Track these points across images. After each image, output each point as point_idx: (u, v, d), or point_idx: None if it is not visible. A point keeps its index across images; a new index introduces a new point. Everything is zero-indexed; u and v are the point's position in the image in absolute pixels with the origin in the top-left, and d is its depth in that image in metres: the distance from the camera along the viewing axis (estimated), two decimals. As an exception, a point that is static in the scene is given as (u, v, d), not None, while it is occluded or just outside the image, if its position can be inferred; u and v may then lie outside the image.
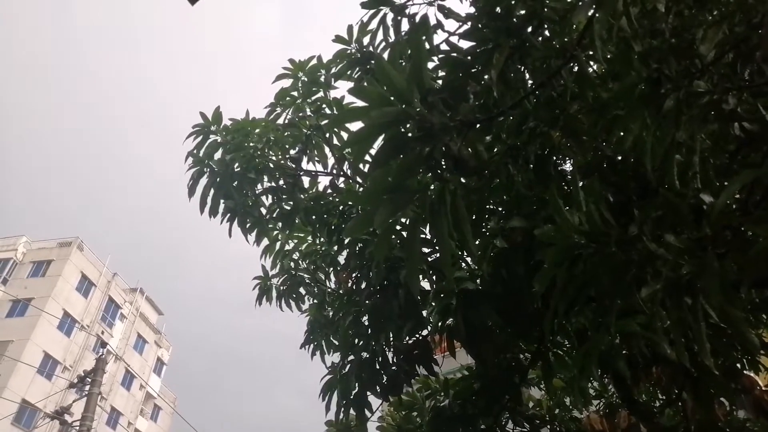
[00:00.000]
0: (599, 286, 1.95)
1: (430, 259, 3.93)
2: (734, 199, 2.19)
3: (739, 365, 4.41)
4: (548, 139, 3.02)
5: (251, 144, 4.02)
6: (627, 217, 2.08)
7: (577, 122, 2.99)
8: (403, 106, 1.59)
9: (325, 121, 4.11)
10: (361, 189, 3.82)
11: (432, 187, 1.65)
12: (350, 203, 4.08)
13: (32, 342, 36.34)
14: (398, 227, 3.88)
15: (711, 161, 2.44)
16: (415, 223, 1.71)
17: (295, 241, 5.01)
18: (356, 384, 4.06)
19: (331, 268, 4.91)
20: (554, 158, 3.04)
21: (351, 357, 4.19)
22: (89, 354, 37.36)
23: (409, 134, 1.60)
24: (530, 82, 2.94)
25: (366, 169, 2.87)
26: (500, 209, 3.31)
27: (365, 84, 2.00)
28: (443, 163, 1.62)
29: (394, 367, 4.09)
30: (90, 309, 41.80)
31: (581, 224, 1.97)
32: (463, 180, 1.72)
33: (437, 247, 3.96)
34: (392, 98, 1.59)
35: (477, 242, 3.12)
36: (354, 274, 4.47)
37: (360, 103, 1.67)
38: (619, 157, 2.96)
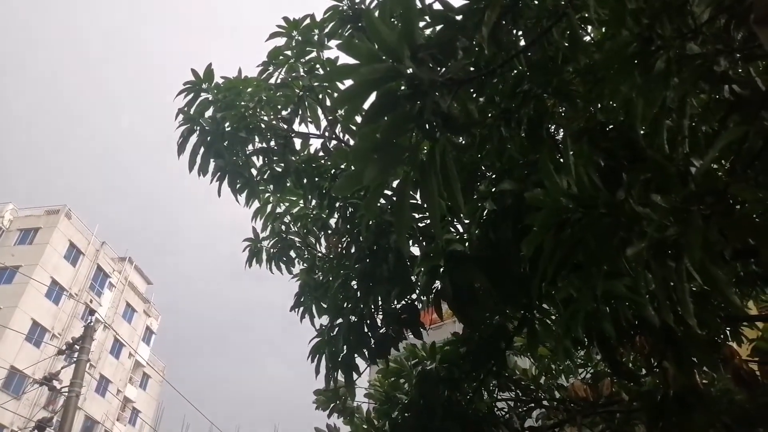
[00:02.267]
0: (587, 249, 1.96)
1: (421, 225, 3.93)
2: (722, 164, 2.19)
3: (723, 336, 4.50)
4: (541, 103, 3.01)
5: (243, 103, 3.97)
6: (617, 183, 2.09)
7: (570, 86, 2.98)
8: (393, 62, 1.57)
9: (317, 83, 4.06)
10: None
11: (422, 146, 1.64)
12: (342, 167, 4.06)
13: (20, 309, 36.28)
14: (389, 192, 3.88)
15: (700, 126, 2.43)
16: (404, 183, 1.69)
17: (287, 204, 4.98)
18: (344, 347, 4.09)
19: (322, 232, 4.91)
20: (547, 123, 3.03)
21: (339, 320, 4.22)
22: (78, 322, 37.39)
23: (399, 91, 1.58)
24: (522, 43, 2.91)
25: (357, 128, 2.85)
26: (491, 173, 3.31)
27: (355, 40, 1.97)
28: (433, 120, 1.61)
29: (382, 331, 4.13)
30: (78, 277, 41.70)
31: (570, 188, 1.97)
32: (453, 138, 1.70)
33: (427, 213, 3.97)
34: (382, 54, 1.57)
35: (467, 205, 3.12)
36: (344, 239, 4.48)
37: (351, 61, 1.64)
38: (611, 126, 2.96)
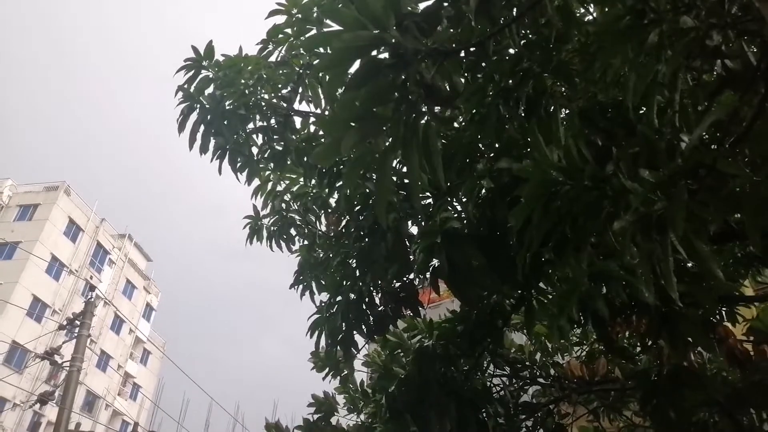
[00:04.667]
0: (574, 223, 1.97)
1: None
2: (711, 140, 2.19)
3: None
4: (540, 82, 3.01)
5: (243, 81, 3.95)
6: (608, 157, 2.09)
7: (568, 65, 2.98)
8: (378, 30, 1.54)
9: (318, 60, 4.04)
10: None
11: (404, 117, 1.60)
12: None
13: (20, 285, 36.46)
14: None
15: (691, 101, 2.42)
16: (386, 154, 1.66)
17: (287, 182, 5.00)
18: (343, 324, 4.14)
19: (322, 211, 4.93)
20: (546, 102, 3.03)
21: (339, 298, 4.26)
22: (78, 298, 37.61)
23: (383, 60, 1.56)
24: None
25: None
26: (490, 152, 3.31)
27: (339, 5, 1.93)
28: (416, 91, 1.58)
29: (380, 308, 4.18)
30: (78, 254, 41.83)
31: (560, 161, 1.98)
32: (436, 111, 1.69)
33: (427, 192, 3.99)
34: (366, 22, 1.54)
35: (465, 184, 3.14)
36: (344, 217, 4.50)
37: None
38: (610, 106, 2.95)
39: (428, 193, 3.89)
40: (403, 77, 1.56)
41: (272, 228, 5.07)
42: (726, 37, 2.05)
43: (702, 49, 2.06)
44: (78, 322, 16.15)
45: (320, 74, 4.09)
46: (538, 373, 5.70)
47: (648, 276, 1.80)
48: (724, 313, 4.63)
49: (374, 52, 1.56)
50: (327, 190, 4.53)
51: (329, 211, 4.83)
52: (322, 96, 4.24)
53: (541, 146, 1.98)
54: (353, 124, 1.58)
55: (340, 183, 4.39)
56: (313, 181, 4.70)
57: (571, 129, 2.12)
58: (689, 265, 2.96)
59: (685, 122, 1.99)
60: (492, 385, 5.14)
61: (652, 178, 1.83)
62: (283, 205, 5.02)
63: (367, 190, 3.95)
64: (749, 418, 4.68)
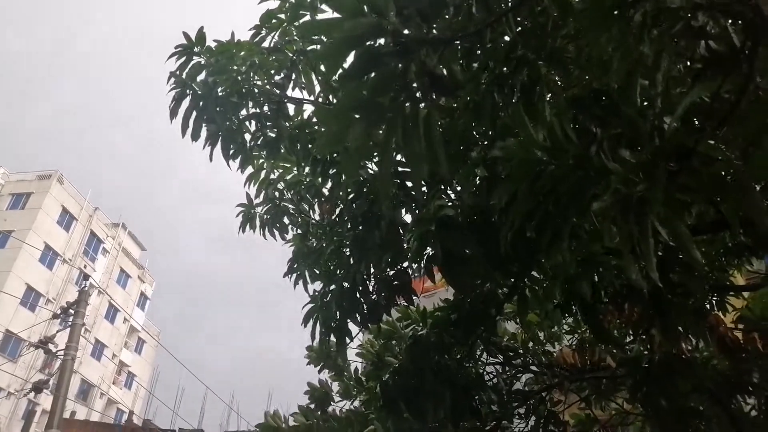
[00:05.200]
0: (557, 203, 1.96)
1: (414, 193, 3.94)
2: (694, 124, 2.18)
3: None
4: (535, 69, 2.99)
5: (235, 67, 3.91)
6: (593, 139, 2.08)
7: (562, 52, 2.96)
8: (378, 17, 1.51)
9: (312, 47, 4.01)
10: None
11: (406, 106, 1.58)
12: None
13: (14, 274, 36.36)
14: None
15: (674, 83, 2.41)
16: (386, 144, 1.64)
17: (280, 170, 4.97)
18: (337, 312, 4.14)
19: (316, 200, 4.91)
20: (540, 89, 3.01)
21: (332, 286, 4.26)
22: (72, 287, 37.54)
23: (384, 49, 1.53)
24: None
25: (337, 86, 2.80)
26: (485, 140, 3.30)
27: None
28: (419, 80, 1.57)
29: (374, 297, 4.18)
30: (72, 243, 41.72)
31: (545, 141, 1.97)
32: (438, 100, 1.67)
33: (424, 181, 3.98)
34: (366, 9, 1.51)
35: (459, 172, 3.13)
36: (337, 205, 4.49)
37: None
38: (604, 94, 2.95)
39: (422, 182, 3.88)
40: (404, 66, 1.54)
41: (265, 216, 5.04)
42: (711, 18, 2.04)
43: (687, 30, 2.04)
44: (72, 311, 16.13)
45: (314, 61, 4.07)
46: (530, 361, 5.74)
47: (628, 257, 1.79)
48: (714, 302, 4.67)
49: (373, 41, 1.54)
50: (321, 179, 4.51)
51: (323, 199, 4.81)
52: (315, 83, 4.21)
53: (526, 126, 1.97)
54: (356, 115, 1.56)
55: (334, 171, 4.37)
56: (307, 170, 4.67)
57: (556, 109, 2.11)
58: (680, 256, 2.97)
59: (669, 104, 1.98)
60: (485, 372, 5.17)
61: (634, 159, 1.82)
62: (276, 193, 5.00)
63: (362, 179, 3.94)
64: (738, 405, 4.74)
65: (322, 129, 4.19)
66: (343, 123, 1.57)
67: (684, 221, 1.76)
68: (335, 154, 4.20)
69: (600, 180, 1.82)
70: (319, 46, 3.93)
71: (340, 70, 1.62)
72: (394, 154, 1.85)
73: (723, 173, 1.70)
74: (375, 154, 1.78)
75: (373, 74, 1.55)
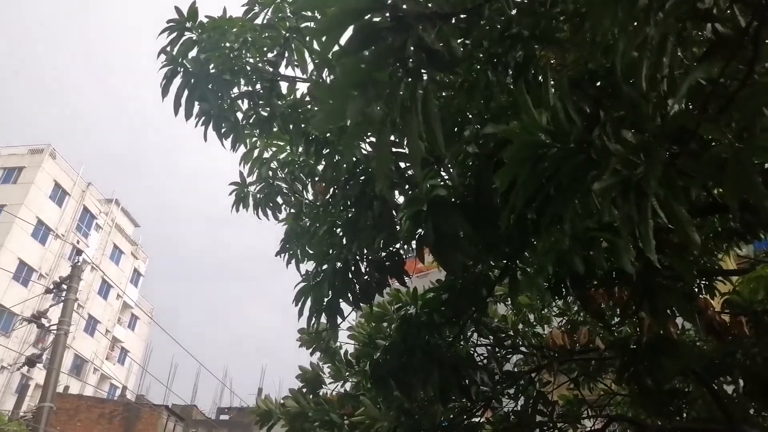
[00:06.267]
0: (559, 185, 1.96)
1: (407, 175, 3.93)
2: (696, 106, 2.16)
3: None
4: (530, 48, 2.97)
5: (227, 44, 3.85)
6: (596, 121, 2.07)
7: (558, 31, 2.93)
8: None
9: (305, 24, 3.94)
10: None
11: (404, 82, 1.56)
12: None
13: (6, 248, 36.21)
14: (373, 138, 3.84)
15: (679, 66, 2.39)
16: (383, 122, 1.62)
17: (274, 149, 4.93)
18: (329, 291, 4.15)
19: (309, 179, 4.89)
20: (534, 68, 2.99)
21: (325, 266, 4.26)
22: (65, 262, 37.46)
23: (381, 24, 1.51)
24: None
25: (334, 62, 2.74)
26: (478, 120, 3.28)
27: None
28: (416, 56, 1.55)
29: (366, 277, 4.19)
30: (65, 218, 41.52)
31: (548, 123, 1.96)
32: (436, 77, 1.66)
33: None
34: None
35: (451, 150, 3.11)
36: (331, 186, 4.48)
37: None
38: (601, 74, 2.92)
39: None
40: (401, 41, 1.51)
41: (258, 196, 5.02)
42: (717, 1, 2.02)
43: (693, 12, 2.02)
44: (65, 286, 16.11)
45: (307, 38, 4.01)
46: (520, 343, 5.80)
47: (626, 239, 1.80)
48: (703, 286, 4.71)
49: (371, 16, 1.52)
50: (314, 158, 4.49)
51: (316, 179, 4.79)
52: (309, 61, 4.15)
53: (529, 108, 1.95)
54: (355, 91, 1.53)
55: (328, 150, 4.35)
56: (300, 149, 4.64)
57: (560, 92, 2.09)
58: (671, 238, 2.98)
59: (672, 87, 1.97)
60: (475, 353, 5.23)
61: (635, 140, 1.82)
62: (270, 172, 4.97)
63: (355, 159, 3.92)
64: (720, 386, 4.82)
65: (317, 107, 4.15)
66: (341, 99, 1.55)
67: (683, 203, 1.76)
68: (328, 134, 4.17)
69: (602, 162, 1.82)
70: (312, 24, 3.87)
71: (336, 47, 1.60)
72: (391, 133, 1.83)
73: (723, 156, 1.69)
74: (370, 133, 1.76)
75: (371, 49, 1.52)
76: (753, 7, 1.99)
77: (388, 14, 1.51)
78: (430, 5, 1.64)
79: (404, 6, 1.52)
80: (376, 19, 1.52)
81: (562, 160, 1.89)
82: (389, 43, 1.52)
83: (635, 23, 1.95)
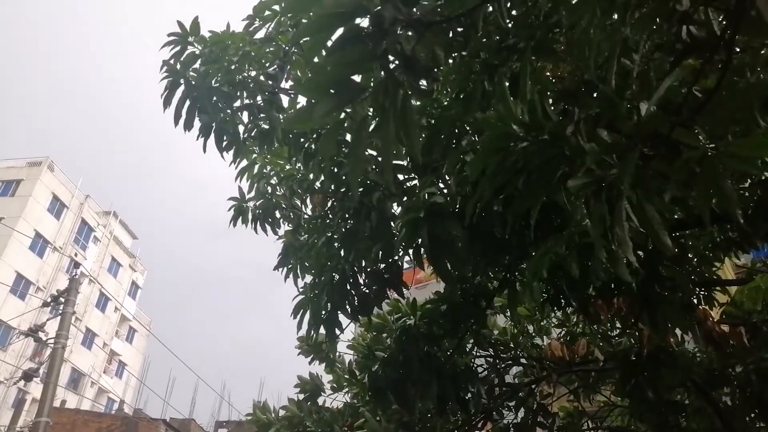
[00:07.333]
0: (528, 178, 1.96)
1: (407, 186, 3.94)
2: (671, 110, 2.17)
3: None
4: (525, 58, 3.00)
5: (229, 58, 3.89)
6: (572, 119, 2.06)
7: (551, 42, 2.96)
8: None
9: (305, 39, 3.97)
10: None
11: (382, 86, 1.55)
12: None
13: (3, 261, 36.06)
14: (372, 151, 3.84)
15: (654, 68, 2.40)
16: (361, 124, 1.61)
17: (274, 165, 4.95)
18: (327, 304, 4.15)
19: (307, 195, 4.90)
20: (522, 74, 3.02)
21: (323, 278, 4.26)
22: (62, 276, 37.29)
23: (361, 29, 1.52)
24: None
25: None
26: (475, 129, 3.30)
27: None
28: (394, 62, 1.55)
29: (364, 289, 4.18)
30: (62, 231, 41.40)
31: (524, 116, 1.96)
32: (415, 83, 1.66)
33: (412, 172, 3.98)
34: None
35: (449, 159, 3.13)
36: (329, 198, 4.49)
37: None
38: (595, 86, 2.95)
39: (414, 175, 3.88)
40: (378, 46, 1.52)
41: (257, 211, 5.03)
42: (695, 3, 2.04)
43: (670, 14, 2.04)
44: (62, 299, 16.04)
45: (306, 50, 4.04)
46: (520, 354, 5.79)
47: (599, 240, 1.78)
48: (702, 296, 4.72)
49: (357, 20, 1.53)
50: (314, 172, 4.51)
51: (315, 190, 4.81)
52: (309, 74, 4.19)
53: (507, 99, 1.96)
54: (328, 91, 1.53)
55: (325, 164, 4.36)
56: (299, 164, 4.66)
57: (538, 85, 2.10)
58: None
59: (648, 89, 1.98)
60: (474, 365, 5.21)
61: (609, 139, 1.82)
62: (269, 188, 4.98)
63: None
64: (719, 396, 4.81)
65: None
66: (314, 99, 1.55)
67: (656, 206, 1.76)
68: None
69: (574, 159, 1.82)
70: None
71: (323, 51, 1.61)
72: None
73: (696, 161, 1.69)
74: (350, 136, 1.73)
75: (344, 51, 1.52)
76: (728, 14, 2.02)
77: (370, 19, 1.53)
78: (413, 11, 1.65)
79: (385, 11, 1.53)
80: (361, 23, 1.54)
81: (533, 154, 1.89)
82: (368, 47, 1.52)
83: (611, 23, 1.97)
